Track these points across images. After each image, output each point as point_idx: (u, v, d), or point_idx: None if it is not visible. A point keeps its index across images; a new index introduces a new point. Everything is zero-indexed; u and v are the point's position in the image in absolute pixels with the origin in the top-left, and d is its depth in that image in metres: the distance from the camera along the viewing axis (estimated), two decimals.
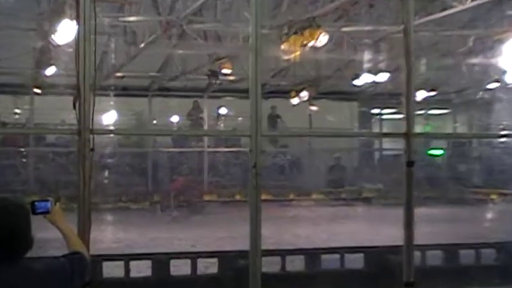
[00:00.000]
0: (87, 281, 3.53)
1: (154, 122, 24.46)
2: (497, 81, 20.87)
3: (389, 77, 19.39)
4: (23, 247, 3.19)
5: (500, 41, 16.53)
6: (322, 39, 13.66)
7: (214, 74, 18.89)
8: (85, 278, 3.50)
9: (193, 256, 8.95)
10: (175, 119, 25.18)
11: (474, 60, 19.75)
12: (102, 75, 18.34)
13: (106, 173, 22.90)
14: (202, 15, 15.60)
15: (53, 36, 13.02)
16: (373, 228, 16.94)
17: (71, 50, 12.50)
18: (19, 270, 3.16)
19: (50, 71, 17.09)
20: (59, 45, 13.95)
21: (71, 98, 5.56)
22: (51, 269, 3.30)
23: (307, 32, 13.65)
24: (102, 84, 18.61)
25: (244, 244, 7.21)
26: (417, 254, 7.55)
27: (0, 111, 23.01)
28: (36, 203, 3.75)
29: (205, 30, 16.41)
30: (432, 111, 27.53)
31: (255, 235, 6.12)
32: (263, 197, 6.21)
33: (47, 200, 3.79)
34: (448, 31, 17.11)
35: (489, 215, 21.39)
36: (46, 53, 16.55)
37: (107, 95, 21.58)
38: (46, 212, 3.77)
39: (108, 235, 15.79)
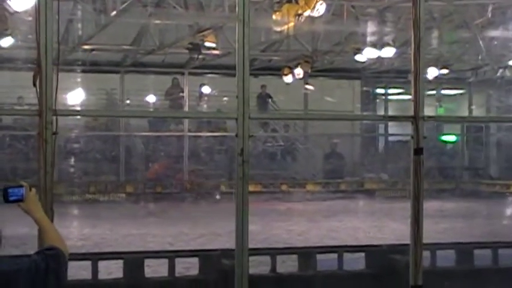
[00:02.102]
0: (65, 281, 3.49)
1: (128, 102, 24.40)
2: None
3: (396, 52, 19.40)
4: None
5: None
6: (320, 8, 13.63)
7: (196, 47, 18.84)
8: (62, 278, 3.44)
9: (171, 255, 8.95)
10: (151, 98, 25.12)
11: (493, 33, 19.77)
12: (67, 48, 18.25)
13: (71, 160, 22.86)
14: None
15: (8, 1, 12.93)
16: (376, 224, 17.01)
17: (30, 18, 12.44)
18: None
19: (6, 42, 16.97)
20: (16, 12, 13.85)
21: (31, 74, 5.53)
22: (20, 268, 3.25)
23: (302, 0, 13.62)
24: (67, 58, 18.54)
25: (229, 242, 7.22)
26: (426, 254, 7.57)
27: None
28: (9, 190, 3.74)
29: None
30: (445, 91, 27.60)
31: (242, 231, 6.13)
32: (251, 188, 6.20)
33: (21, 186, 3.79)
34: None
35: (508, 210, 21.52)
36: (1, 22, 16.44)
37: (73, 71, 21.52)
38: (20, 200, 3.76)
39: (74, 231, 15.78)
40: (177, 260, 8.80)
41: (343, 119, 23.64)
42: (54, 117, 5.50)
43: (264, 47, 21.20)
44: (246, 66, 6.11)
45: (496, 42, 20.83)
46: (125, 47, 21.44)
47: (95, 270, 8.34)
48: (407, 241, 6.75)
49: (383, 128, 28.24)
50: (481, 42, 20.38)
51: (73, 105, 21.17)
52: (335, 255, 9.27)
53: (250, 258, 6.27)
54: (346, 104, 25.97)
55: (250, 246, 6.19)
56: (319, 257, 9.22)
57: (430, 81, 21.37)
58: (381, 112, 27.60)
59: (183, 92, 24.26)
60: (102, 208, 20.25)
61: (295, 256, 9.32)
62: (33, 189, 3.83)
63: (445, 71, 22.50)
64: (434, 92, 26.23)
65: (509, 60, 22.11)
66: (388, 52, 19.33)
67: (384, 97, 28.91)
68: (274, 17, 14.51)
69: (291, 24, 14.40)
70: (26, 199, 3.75)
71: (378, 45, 19.32)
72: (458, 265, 9.56)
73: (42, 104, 5.47)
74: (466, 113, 27.01)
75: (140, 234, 15.04)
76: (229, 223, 6.61)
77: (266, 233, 14.78)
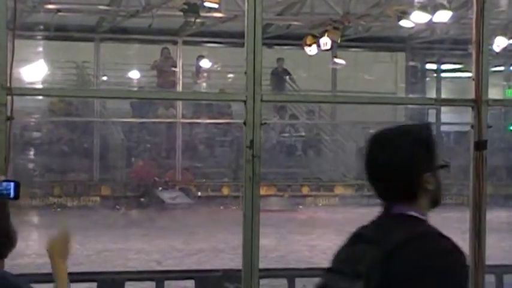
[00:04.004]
0: None
1: (104, 78, 24.42)
2: None
3: (452, 17, 19.33)
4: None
5: None
6: None
7: (194, 8, 18.82)
8: None
9: (159, 277, 8.98)
10: (134, 74, 25.14)
11: None
12: (25, 7, 18.26)
13: (30, 154, 22.89)
14: None
15: None
16: None
17: None
18: None
19: None
20: None
21: None
22: None
23: None
24: (25, 21, 18.56)
25: (234, 260, 7.21)
26: (490, 278, 7.56)
27: None
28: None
29: None
30: None
31: (251, 247, 6.13)
32: (263, 191, 6.20)
33: (10, 180, 3.72)
34: None
35: None
36: None
37: (33, 38, 21.53)
38: (9, 198, 3.71)
39: (33, 245, 15.81)
40: (167, 283, 8.82)
41: (382, 103, 23.62)
42: (9, 98, 5.50)
43: (281, 8, 21.18)
44: (257, 34, 6.10)
45: None
46: (101, 7, 21.44)
47: None
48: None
49: (434, 114, 28.18)
50: None
51: (33, 83, 21.20)
52: None
53: (262, 281, 6.26)
54: (387, 83, 25.95)
55: (262, 265, 6.19)
56: None
57: (496, 54, 21.27)
58: (432, 94, 27.56)
59: (175, 66, 24.26)
60: (70, 215, 20.29)
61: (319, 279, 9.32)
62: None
63: None
64: (502, 68, 26.13)
65: None
66: (442, 16, 19.26)
67: (435, 75, 28.85)
68: None
69: None
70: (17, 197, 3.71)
71: (429, 7, 19.25)
72: None
73: None
74: None
75: (119, 250, 15.08)
76: (234, 236, 6.62)
77: (282, 249, 14.79)
